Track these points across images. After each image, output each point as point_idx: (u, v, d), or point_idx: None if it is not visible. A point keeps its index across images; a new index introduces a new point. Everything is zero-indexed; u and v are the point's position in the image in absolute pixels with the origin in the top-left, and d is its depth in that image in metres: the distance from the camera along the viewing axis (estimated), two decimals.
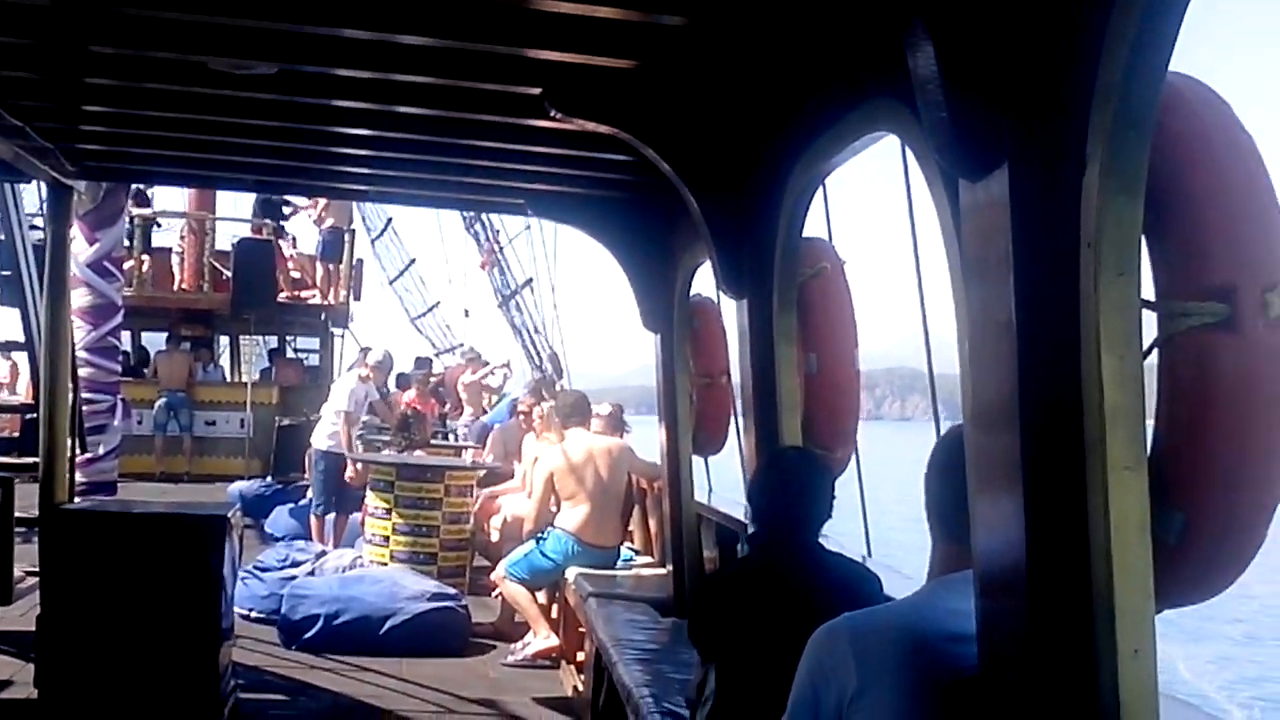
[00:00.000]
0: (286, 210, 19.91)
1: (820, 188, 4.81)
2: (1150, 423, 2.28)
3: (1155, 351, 2.27)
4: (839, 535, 4.98)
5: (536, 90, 4.70)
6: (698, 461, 7.22)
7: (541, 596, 8.43)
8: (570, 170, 6.43)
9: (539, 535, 8.12)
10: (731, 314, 5.45)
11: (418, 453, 11.07)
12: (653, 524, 8.63)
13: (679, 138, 5.03)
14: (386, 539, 9.57)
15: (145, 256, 19.17)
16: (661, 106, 4.94)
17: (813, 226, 4.87)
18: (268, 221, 19.46)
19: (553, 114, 4.82)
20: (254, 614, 8.59)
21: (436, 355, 22.11)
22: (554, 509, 8.23)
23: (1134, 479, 2.18)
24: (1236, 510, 2.24)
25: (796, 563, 3.68)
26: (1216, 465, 2.21)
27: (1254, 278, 2.17)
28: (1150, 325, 2.27)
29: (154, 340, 20.50)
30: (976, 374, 2.51)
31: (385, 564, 9.39)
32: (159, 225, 20.39)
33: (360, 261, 20.91)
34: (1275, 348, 2.18)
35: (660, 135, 5.03)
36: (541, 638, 8.04)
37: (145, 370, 19.52)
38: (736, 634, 3.68)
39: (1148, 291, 2.27)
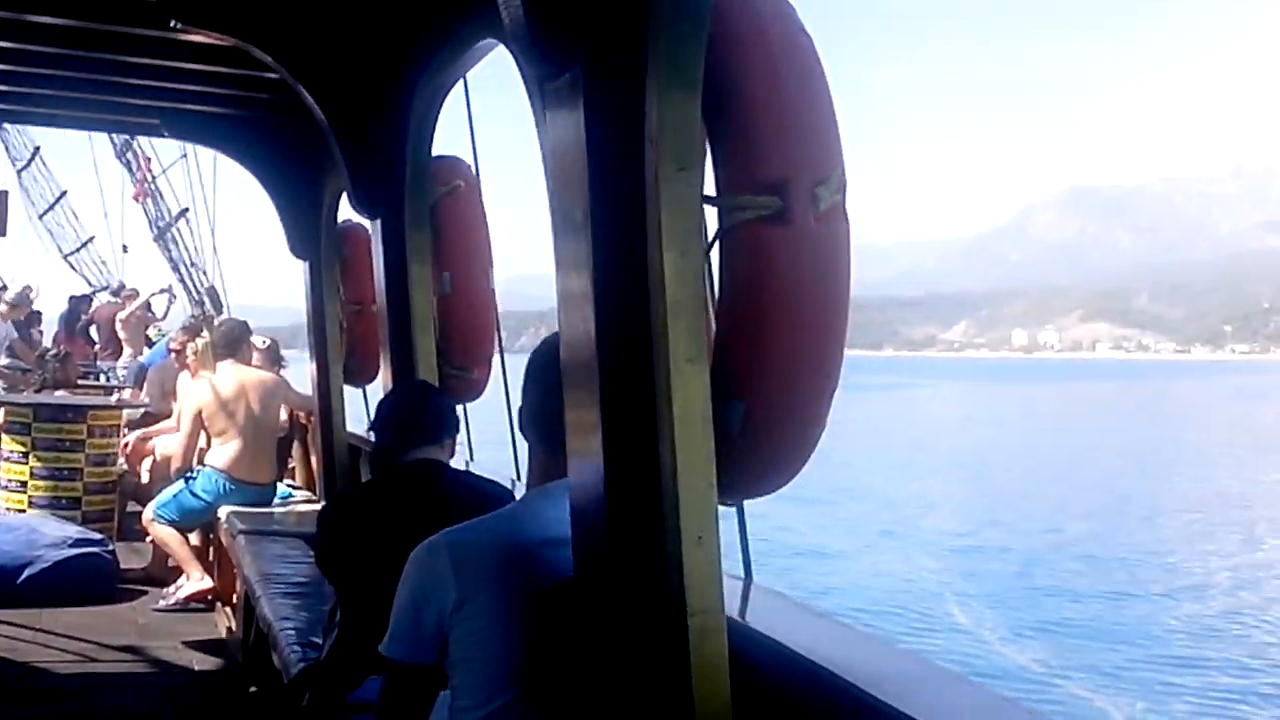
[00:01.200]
0: None
1: (467, 106, 4.78)
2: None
3: (717, 246, 2.32)
4: (500, 464, 5.00)
5: None
6: (358, 392, 7.09)
7: (194, 538, 8.08)
8: (207, 88, 6.12)
9: (188, 474, 7.78)
10: None
11: (59, 393, 10.43)
12: (313, 459, 8.43)
13: (306, 52, 4.84)
14: (24, 484, 8.93)
15: None
16: (286, 18, 4.74)
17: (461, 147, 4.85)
18: None
19: (172, 24, 4.58)
20: None
21: (94, 293, 20.93)
22: (205, 446, 7.92)
23: (695, 371, 2.22)
24: (794, 400, 2.33)
25: (414, 483, 3.64)
26: (774, 356, 2.28)
27: (805, 172, 2.24)
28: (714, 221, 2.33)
29: None
30: (560, 275, 2.51)
31: (23, 510, 8.83)
32: None
33: (4, 193, 19.49)
34: (825, 240, 2.27)
35: (287, 49, 4.83)
36: (194, 580, 7.72)
37: None
38: (356, 557, 3.61)
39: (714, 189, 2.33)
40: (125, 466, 9.54)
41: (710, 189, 2.32)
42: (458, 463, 4.17)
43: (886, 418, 73.55)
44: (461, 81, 4.67)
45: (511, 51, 3.29)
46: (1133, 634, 18.81)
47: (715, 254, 2.36)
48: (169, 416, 9.88)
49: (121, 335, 15.47)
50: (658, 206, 2.20)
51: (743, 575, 2.97)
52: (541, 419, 2.68)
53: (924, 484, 38.41)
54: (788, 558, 23.48)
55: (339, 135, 4.92)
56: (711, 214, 2.33)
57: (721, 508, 2.42)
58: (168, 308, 16.30)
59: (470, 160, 5.02)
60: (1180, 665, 16.89)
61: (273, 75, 5.23)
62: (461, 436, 4.01)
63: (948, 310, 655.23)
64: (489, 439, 5.61)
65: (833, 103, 2.34)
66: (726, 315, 2.31)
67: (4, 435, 9.24)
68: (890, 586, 21.54)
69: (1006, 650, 17.00)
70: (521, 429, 2.81)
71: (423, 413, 3.80)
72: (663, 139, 2.20)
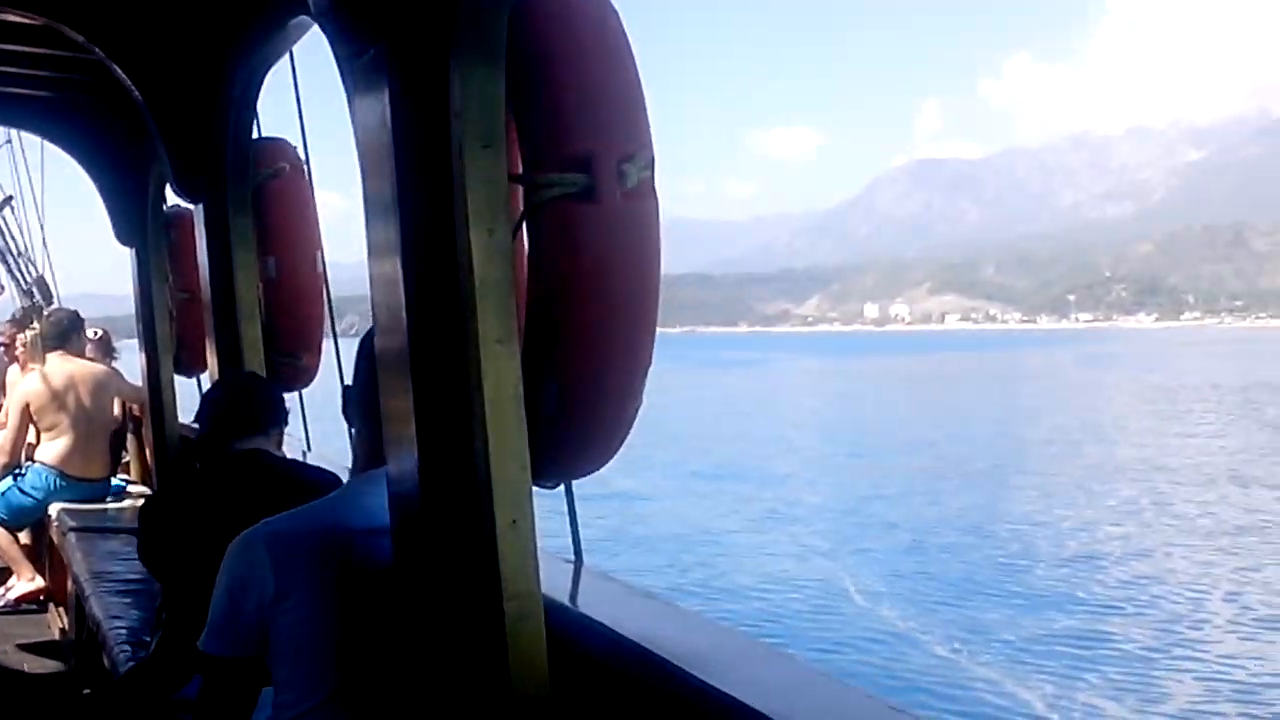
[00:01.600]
0: None
1: (294, 85, 4.65)
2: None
3: (526, 225, 2.30)
4: (341, 453, 4.90)
5: None
6: (193, 382, 6.90)
7: (25, 536, 7.80)
8: (20, 69, 5.88)
9: (17, 471, 7.50)
10: None
11: None
12: (147, 452, 8.19)
13: (121, 31, 4.66)
14: None
15: None
16: None
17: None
18: None
19: None
20: None
21: None
22: (35, 442, 7.64)
23: (506, 353, 2.20)
24: (607, 379, 2.32)
25: (237, 474, 3.55)
26: (584, 335, 2.27)
27: (611, 149, 2.23)
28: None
29: None
30: (372, 259, 2.46)
31: None
32: None
33: None
34: (633, 217, 2.26)
35: (100, 28, 4.65)
36: (25, 580, 7.45)
37: None
38: (178, 552, 3.51)
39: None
40: None
41: (519, 169, 2.29)
42: (296, 452, 4.09)
43: (752, 395, 74.44)
44: (289, 60, 4.56)
45: (323, 29, 3.23)
46: (1040, 605, 19.10)
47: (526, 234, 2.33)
48: None
49: None
50: (463, 186, 2.17)
51: (574, 559, 2.94)
52: (365, 404, 2.63)
53: (799, 460, 39.05)
54: (672, 542, 23.36)
55: (158, 117, 4.75)
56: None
57: (549, 491, 2.40)
58: None
59: (300, 142, 4.91)
60: (1088, 638, 17.16)
61: (89, 56, 5.04)
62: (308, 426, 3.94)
63: (801, 285, 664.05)
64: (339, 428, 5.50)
65: (640, 80, 2.32)
66: (536, 295, 2.29)
67: None
68: (784, 572, 21.38)
69: (912, 630, 17.18)
70: (345, 414, 2.76)
71: (247, 403, 3.71)
72: (467, 116, 2.16)
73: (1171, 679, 15.40)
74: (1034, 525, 26.57)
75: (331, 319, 4.94)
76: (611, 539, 23.41)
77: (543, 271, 2.27)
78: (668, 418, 51.79)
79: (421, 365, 2.28)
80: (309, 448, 5.03)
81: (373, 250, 2.44)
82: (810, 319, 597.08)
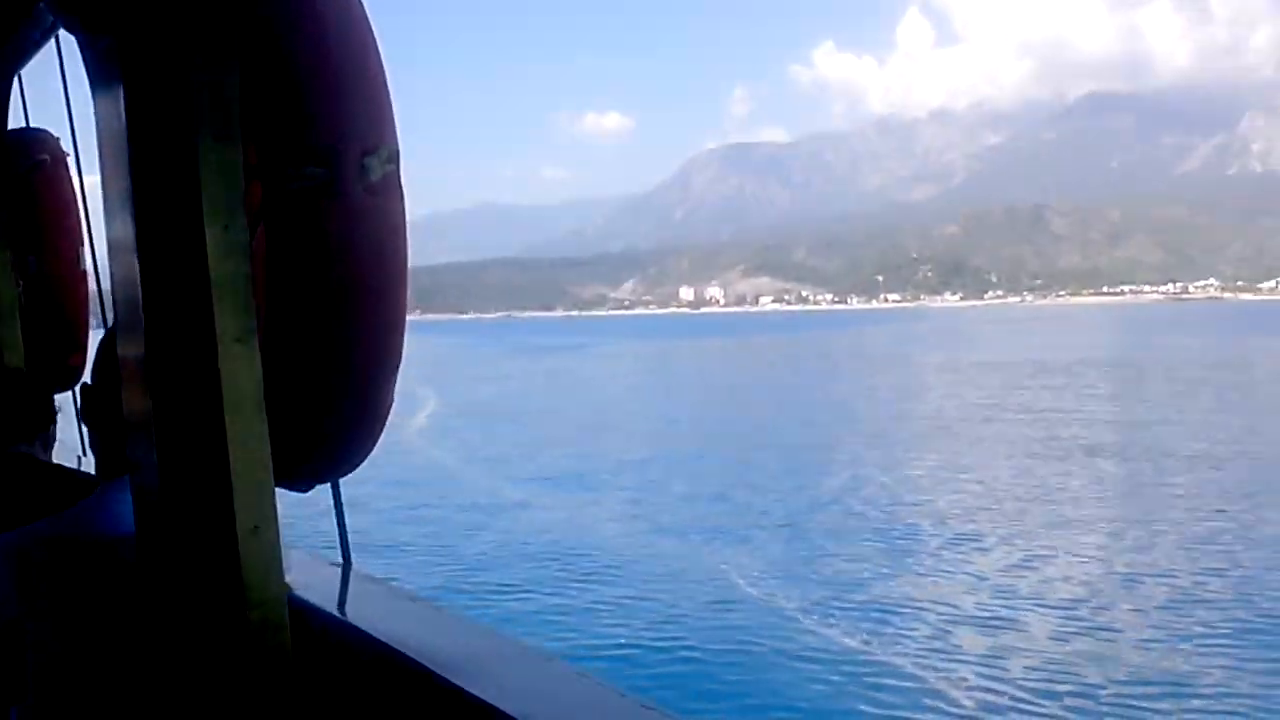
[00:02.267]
0: None
1: (61, 74, 4.44)
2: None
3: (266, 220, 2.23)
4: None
5: None
6: None
7: None
8: None
9: None
10: None
11: None
12: None
13: None
14: None
15: None
16: None
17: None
18: None
19: None
20: None
21: None
22: None
23: (245, 351, 2.14)
24: (353, 377, 2.28)
25: None
26: (329, 332, 2.22)
27: (354, 142, 2.19)
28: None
29: None
30: (112, 254, 2.37)
31: None
32: None
33: None
34: (377, 211, 2.22)
35: None
36: None
37: None
38: None
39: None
40: None
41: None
42: (70, 455, 3.92)
43: (584, 381, 73.80)
44: (54, 46, 4.36)
45: (59, 19, 3.10)
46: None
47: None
48: None
49: None
50: (199, 180, 2.10)
51: (341, 562, 2.89)
52: (106, 406, 2.53)
53: (654, 449, 37.95)
54: (549, 548, 22.01)
55: None
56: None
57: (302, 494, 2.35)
58: None
59: (67, 132, 4.70)
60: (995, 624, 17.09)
61: None
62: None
63: (617, 269, 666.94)
64: None
65: (384, 72, 2.28)
66: (277, 291, 2.23)
67: None
68: (665, 570, 20.50)
69: (816, 625, 16.80)
70: (85, 416, 2.65)
71: (3, 406, 3.53)
72: (202, 109, 2.10)
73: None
74: (921, 518, 26.15)
75: (103, 313, 4.75)
76: (490, 548, 22.62)
77: (284, 267, 2.21)
78: (518, 408, 51.38)
79: (161, 365, 2.20)
80: (85, 451, 4.84)
81: (112, 247, 2.35)
82: (627, 302, 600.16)
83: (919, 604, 17.83)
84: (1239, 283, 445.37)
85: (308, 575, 2.40)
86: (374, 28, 2.29)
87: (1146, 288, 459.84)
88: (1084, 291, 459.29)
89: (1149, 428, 39.33)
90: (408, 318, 2.34)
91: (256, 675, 2.15)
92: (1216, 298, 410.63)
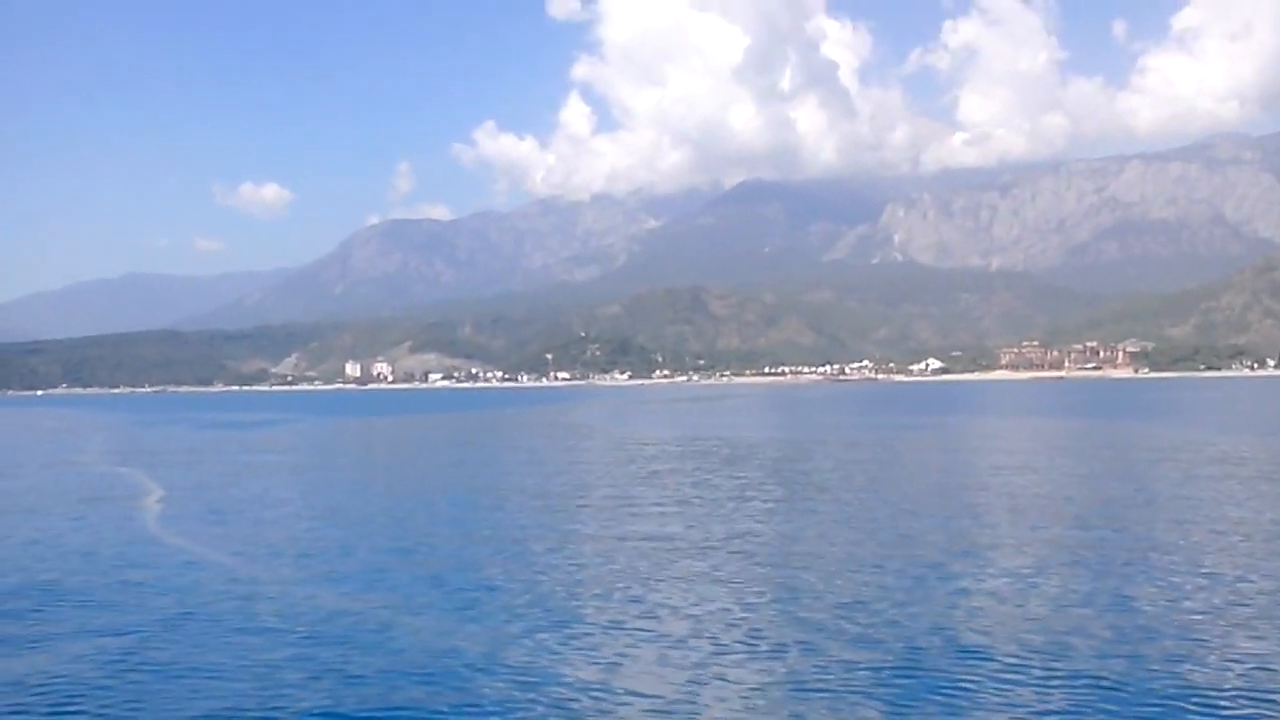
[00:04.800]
0: None
1: None
2: None
3: None
4: None
5: None
6: None
7: None
8: None
9: None
10: None
11: None
12: None
13: None
14: None
15: None
16: None
17: None
18: None
19: None
20: None
21: None
22: None
23: None
24: None
25: None
26: None
27: None
28: None
29: None
30: None
31: None
32: None
33: None
34: None
35: None
36: None
37: None
38: None
39: None
40: None
41: None
42: None
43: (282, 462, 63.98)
44: None
45: None
46: None
47: None
48: None
49: None
50: None
51: None
52: None
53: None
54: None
55: None
56: None
57: None
58: None
59: None
60: None
61: None
62: None
63: (278, 343, 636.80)
64: None
65: None
66: None
67: None
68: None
69: None
70: None
71: None
72: None
73: None
74: None
75: None
76: None
77: None
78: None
79: None
80: None
81: None
82: (290, 377, 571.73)
83: None
84: (890, 364, 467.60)
85: None
86: None
87: (805, 369, 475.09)
88: (746, 371, 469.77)
89: None
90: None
91: None
92: (872, 378, 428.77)
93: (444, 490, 43.10)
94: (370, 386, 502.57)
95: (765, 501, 36.78)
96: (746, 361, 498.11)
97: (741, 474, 47.29)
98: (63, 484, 46.46)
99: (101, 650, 18.11)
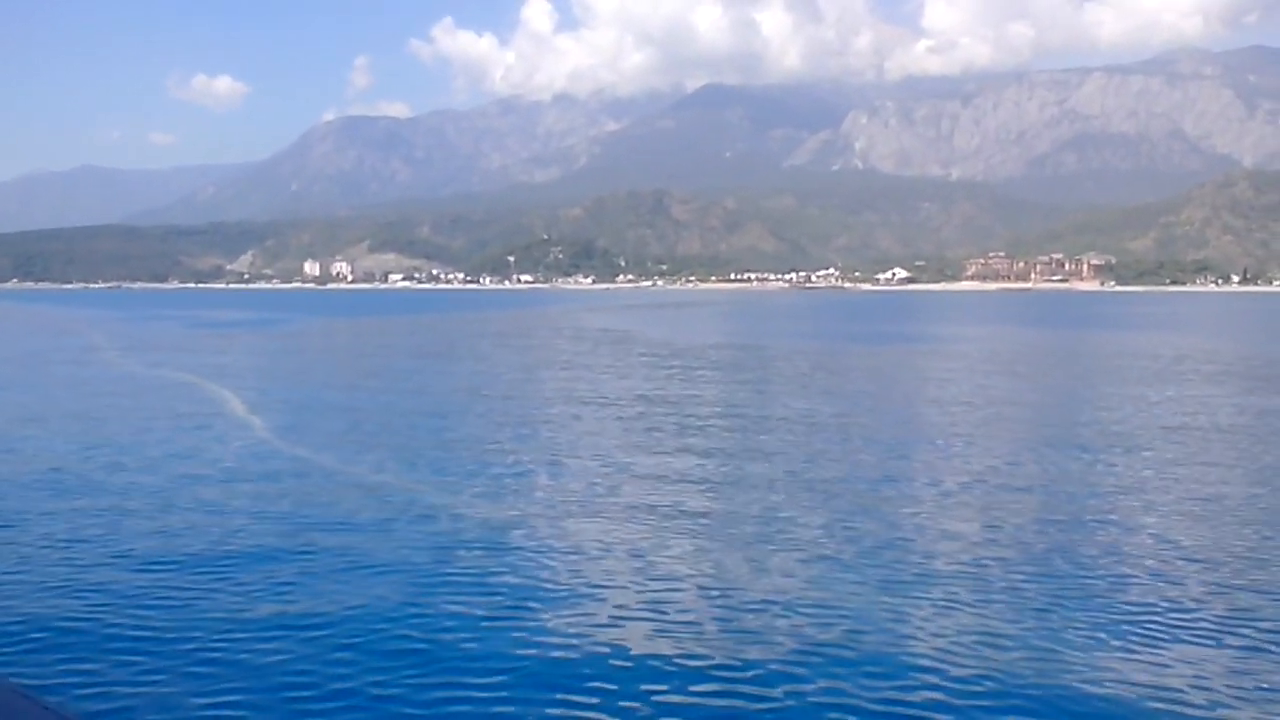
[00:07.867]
0: None
1: None
2: None
3: None
4: None
5: None
6: None
7: None
8: None
9: None
10: None
11: None
12: None
13: None
14: None
15: None
16: None
17: None
18: None
19: None
20: None
21: None
22: None
23: None
24: None
25: None
26: None
27: None
28: None
29: None
30: None
31: None
32: None
33: None
34: None
35: None
36: None
37: None
38: None
39: None
40: None
41: None
42: None
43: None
44: None
45: None
46: None
47: None
48: None
49: None
50: None
51: None
52: None
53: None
54: None
55: None
56: None
57: None
58: None
59: None
60: None
61: None
62: None
63: (233, 240, 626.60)
64: None
65: None
66: None
67: None
68: None
69: None
70: None
71: None
72: None
73: None
74: None
75: None
76: None
77: None
78: None
79: None
80: None
81: None
82: (246, 275, 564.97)
83: None
84: (856, 273, 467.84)
85: None
86: None
87: (770, 275, 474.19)
88: (712, 277, 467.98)
89: None
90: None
91: None
92: (839, 287, 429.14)
93: (556, 389, 42.37)
94: (330, 286, 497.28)
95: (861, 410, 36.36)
96: (709, 267, 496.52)
97: (841, 382, 46.84)
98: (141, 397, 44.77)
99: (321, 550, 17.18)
